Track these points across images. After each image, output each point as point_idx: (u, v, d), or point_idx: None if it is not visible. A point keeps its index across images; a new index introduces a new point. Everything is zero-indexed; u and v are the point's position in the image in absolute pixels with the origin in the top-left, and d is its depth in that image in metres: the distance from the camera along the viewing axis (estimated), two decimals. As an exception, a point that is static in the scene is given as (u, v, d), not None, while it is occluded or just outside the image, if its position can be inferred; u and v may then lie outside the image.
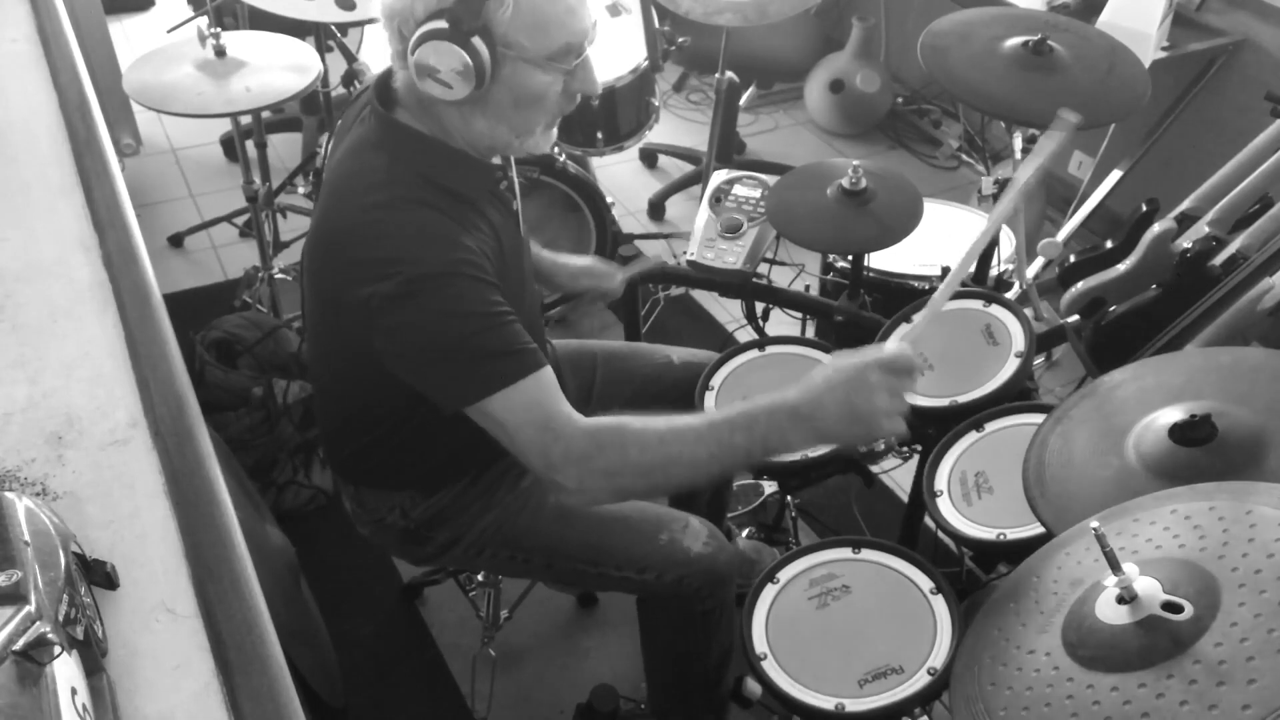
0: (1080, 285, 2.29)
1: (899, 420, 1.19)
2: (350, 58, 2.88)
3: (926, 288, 2.08)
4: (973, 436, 1.54)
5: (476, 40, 1.17)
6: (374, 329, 1.24)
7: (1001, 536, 1.39)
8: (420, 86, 1.22)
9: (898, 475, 2.32)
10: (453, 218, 1.26)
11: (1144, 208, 2.28)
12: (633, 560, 1.54)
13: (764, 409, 1.22)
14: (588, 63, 1.28)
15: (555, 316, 1.70)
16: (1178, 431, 1.08)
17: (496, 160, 1.39)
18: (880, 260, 2.14)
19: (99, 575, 0.97)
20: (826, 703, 1.29)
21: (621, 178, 3.60)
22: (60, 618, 0.83)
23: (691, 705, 1.79)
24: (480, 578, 2.00)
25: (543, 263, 1.75)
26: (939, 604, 1.38)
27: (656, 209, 3.45)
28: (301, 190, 3.15)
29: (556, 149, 2.54)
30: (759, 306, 2.21)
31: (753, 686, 1.73)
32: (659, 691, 1.81)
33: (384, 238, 1.23)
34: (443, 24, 1.17)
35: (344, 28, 2.91)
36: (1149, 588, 0.82)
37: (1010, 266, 2.21)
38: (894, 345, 1.22)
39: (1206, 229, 2.07)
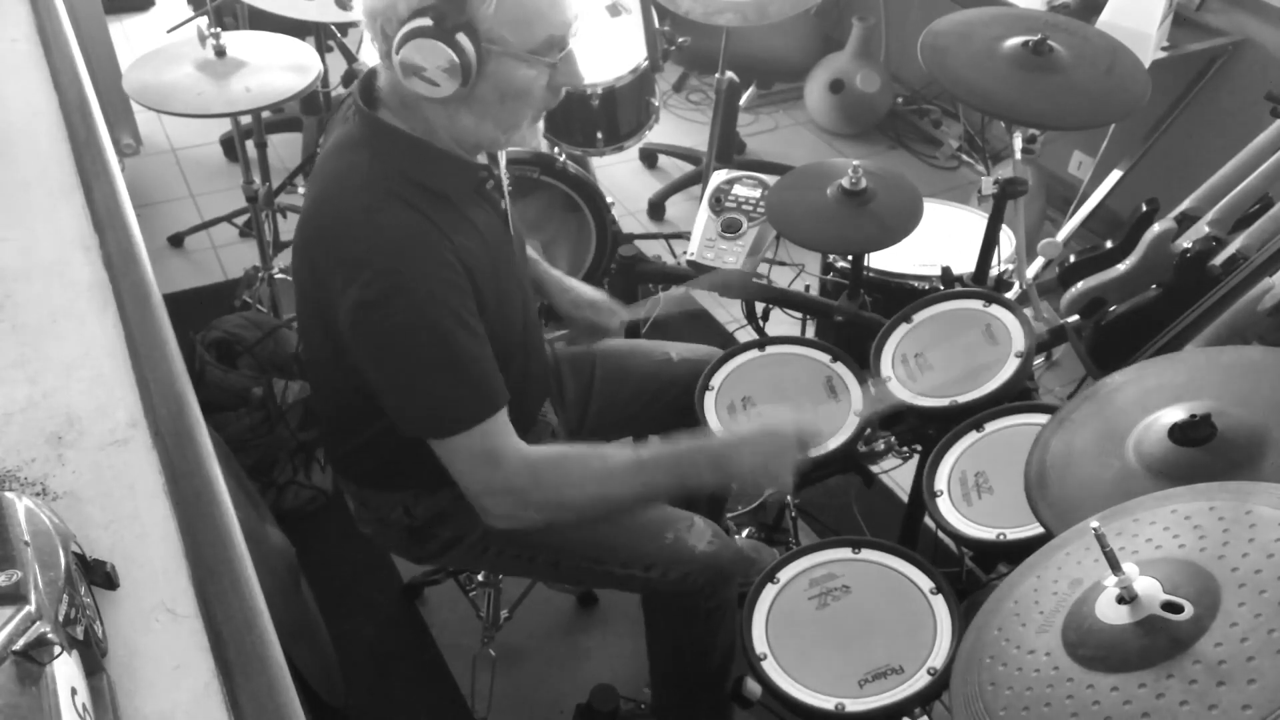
0: (1080, 285, 2.29)
1: (791, 480, 1.39)
2: (350, 58, 2.89)
3: (926, 288, 2.08)
4: (973, 436, 1.53)
5: (461, 37, 1.18)
6: (347, 331, 1.27)
7: (1001, 536, 1.39)
8: (406, 85, 1.22)
9: (898, 475, 2.32)
10: (433, 219, 1.27)
11: (1144, 208, 2.28)
12: (638, 558, 1.55)
13: (688, 451, 1.37)
14: (571, 56, 1.28)
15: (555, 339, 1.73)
16: (1178, 431, 1.08)
17: (482, 159, 1.40)
18: (880, 260, 2.14)
19: (99, 575, 0.97)
20: (826, 703, 1.29)
21: (621, 178, 3.60)
22: (60, 618, 0.83)
23: (695, 706, 1.79)
24: (480, 578, 2.00)
25: (549, 280, 1.76)
26: (939, 604, 1.38)
27: (656, 209, 3.45)
28: (301, 190, 3.15)
29: (556, 149, 2.54)
30: (759, 306, 2.21)
31: (753, 686, 1.72)
32: (663, 691, 1.81)
33: (361, 239, 1.24)
34: (427, 21, 1.17)
35: (344, 28, 2.91)
36: (1149, 588, 0.82)
37: (1010, 266, 2.21)
38: (814, 418, 1.45)
39: (1206, 229, 2.08)
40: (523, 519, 1.36)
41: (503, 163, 1.47)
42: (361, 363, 1.30)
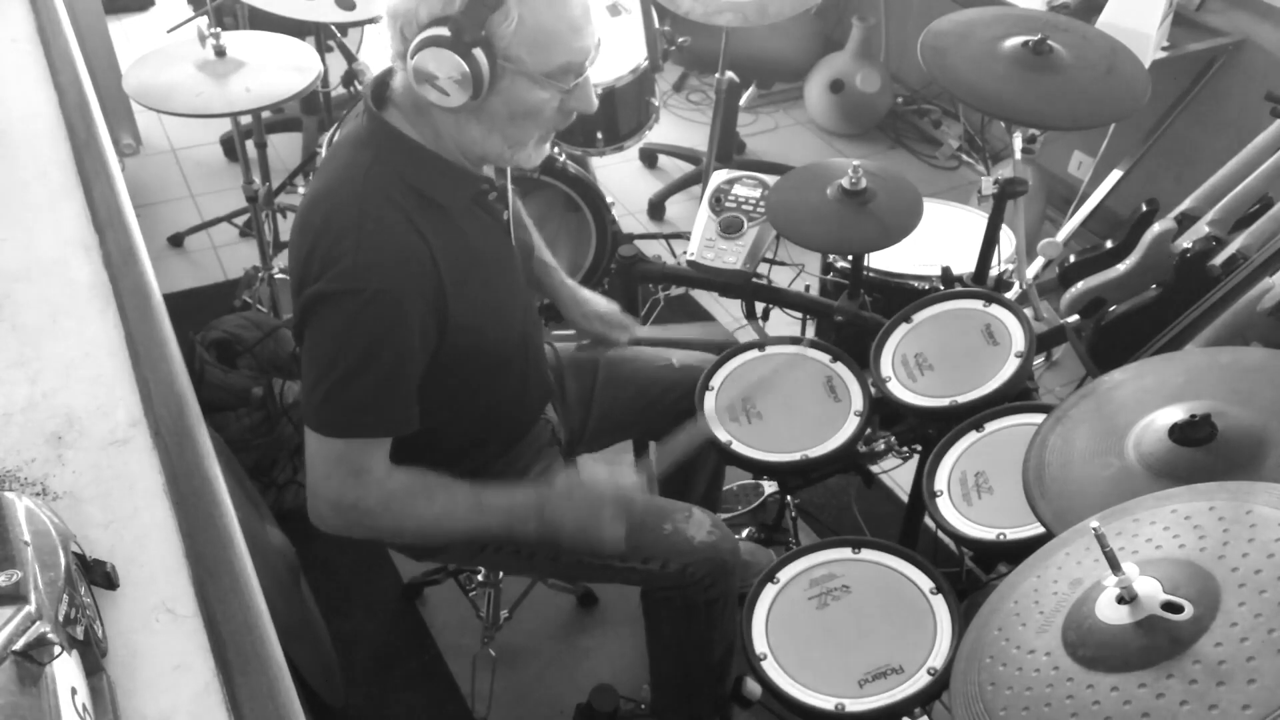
0: (1080, 285, 2.29)
1: (619, 541, 1.42)
2: (350, 58, 2.88)
3: (926, 288, 2.08)
4: (973, 436, 1.53)
5: (477, 51, 1.18)
6: (298, 313, 1.29)
7: (1001, 536, 1.39)
8: (417, 90, 1.22)
9: (898, 475, 2.32)
10: (423, 232, 1.27)
11: (1144, 208, 2.28)
12: (636, 550, 1.54)
13: (520, 504, 1.39)
14: (587, 83, 1.29)
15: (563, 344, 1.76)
16: (1178, 431, 1.08)
17: (488, 171, 1.40)
18: (880, 260, 2.14)
19: (99, 575, 0.97)
20: (826, 703, 1.29)
21: (621, 178, 3.60)
22: (60, 618, 0.83)
23: (695, 703, 1.79)
24: (480, 577, 2.00)
25: (562, 290, 1.77)
26: (939, 604, 1.38)
27: (656, 209, 3.45)
28: (301, 190, 3.15)
29: (556, 149, 2.54)
30: (759, 306, 2.21)
31: (753, 686, 1.73)
32: (662, 687, 1.81)
33: (345, 239, 1.25)
34: (445, 31, 1.18)
35: (344, 28, 2.91)
36: (1149, 588, 0.82)
37: (1010, 266, 2.21)
38: (631, 481, 1.41)
39: (1206, 229, 2.08)
40: (354, 534, 1.38)
41: (509, 173, 1.47)
42: (302, 346, 1.31)
